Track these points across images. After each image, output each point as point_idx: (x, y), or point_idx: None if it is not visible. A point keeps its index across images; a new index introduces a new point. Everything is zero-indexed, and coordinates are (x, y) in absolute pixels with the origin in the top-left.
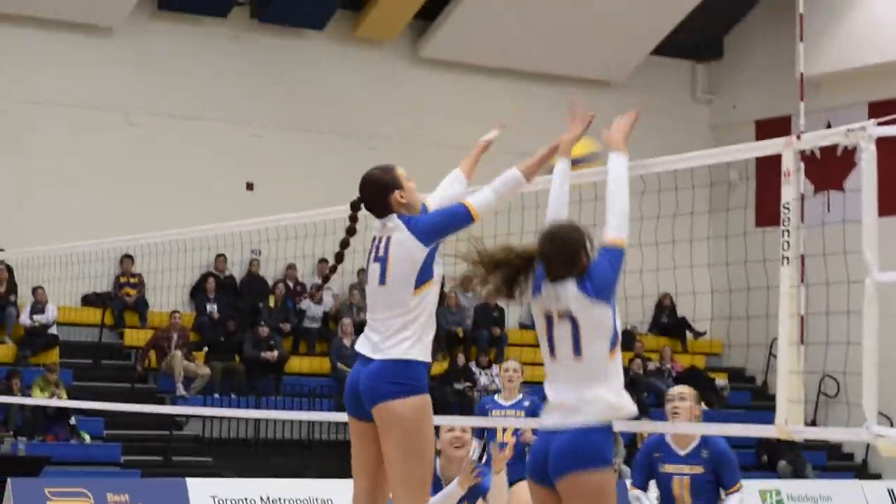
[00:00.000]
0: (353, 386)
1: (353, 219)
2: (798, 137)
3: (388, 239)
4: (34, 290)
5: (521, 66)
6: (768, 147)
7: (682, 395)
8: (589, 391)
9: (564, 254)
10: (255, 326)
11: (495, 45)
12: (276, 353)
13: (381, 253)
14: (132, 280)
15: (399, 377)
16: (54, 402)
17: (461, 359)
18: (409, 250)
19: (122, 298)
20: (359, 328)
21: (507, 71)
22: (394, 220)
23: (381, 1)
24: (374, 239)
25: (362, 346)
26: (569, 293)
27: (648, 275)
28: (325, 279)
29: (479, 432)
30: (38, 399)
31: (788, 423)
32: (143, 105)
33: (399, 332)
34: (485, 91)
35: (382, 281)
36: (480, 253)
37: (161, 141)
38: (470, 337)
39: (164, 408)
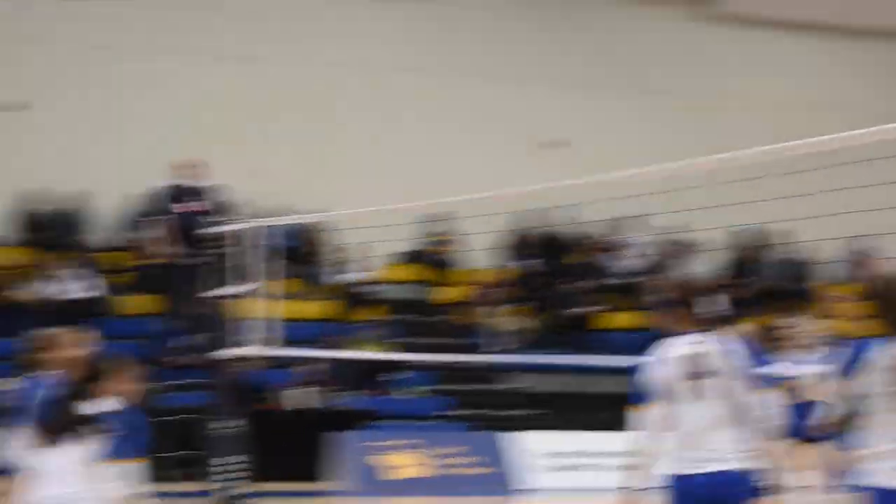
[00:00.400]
0: None
1: None
2: None
3: None
4: (358, 250)
5: (824, 19)
6: None
7: None
8: None
9: None
10: (573, 282)
11: None
12: (591, 308)
13: None
14: (451, 238)
15: None
16: (380, 357)
17: None
18: None
19: (442, 255)
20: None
21: (807, 25)
22: None
23: None
24: None
25: None
26: None
27: None
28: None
29: None
30: (365, 353)
31: None
32: (457, 66)
33: None
34: (786, 47)
35: None
36: None
37: (476, 100)
38: None
39: (491, 360)
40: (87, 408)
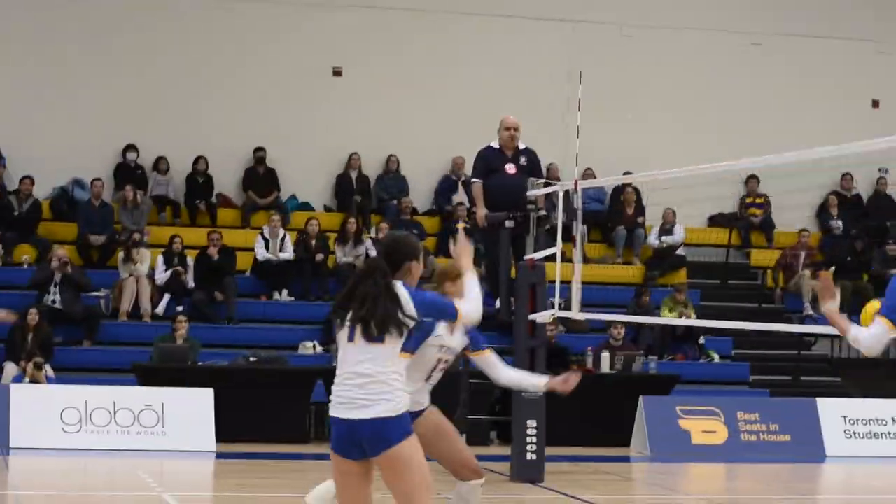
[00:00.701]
0: None
1: None
2: None
3: None
4: (663, 212)
5: None
6: None
7: None
8: None
9: None
10: (882, 245)
11: None
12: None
13: None
14: (758, 200)
15: None
16: (683, 322)
17: None
18: None
19: (747, 218)
20: None
21: None
22: None
23: None
24: None
25: None
26: None
27: None
28: None
29: None
30: (667, 318)
31: None
32: (765, 26)
33: None
34: None
35: None
36: None
37: (780, 61)
38: None
39: (792, 327)
40: None
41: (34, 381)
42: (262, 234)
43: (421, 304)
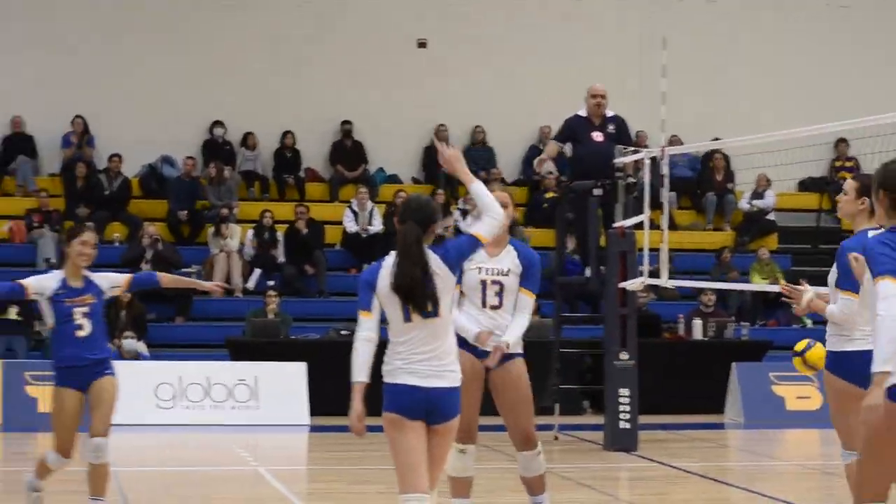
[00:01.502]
0: None
1: None
2: None
3: None
4: (756, 177)
5: None
6: None
7: None
8: None
9: None
10: None
11: None
12: None
13: None
14: (847, 164)
15: None
16: (772, 288)
17: None
18: None
19: (837, 182)
20: None
21: None
22: None
23: None
24: None
25: None
26: None
27: None
28: None
29: None
30: (758, 285)
31: None
32: None
33: None
34: None
35: None
36: None
37: (867, 21)
38: None
39: None
40: None
41: (127, 357)
42: (350, 207)
43: (451, 259)
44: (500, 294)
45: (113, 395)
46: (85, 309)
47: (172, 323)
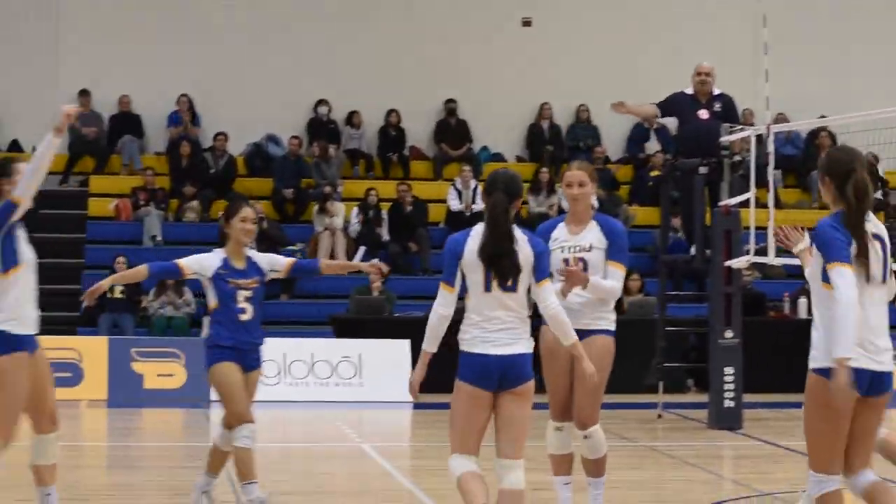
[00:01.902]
0: None
1: None
2: None
3: None
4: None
5: None
6: None
7: None
8: None
9: None
10: None
11: None
12: None
13: None
14: None
15: None
16: None
17: None
18: None
19: None
20: None
21: None
22: None
23: None
24: None
25: None
26: None
27: None
28: None
29: None
30: None
31: None
32: None
33: None
34: None
35: None
36: None
37: None
38: None
39: None
40: None
41: None
42: (454, 185)
43: (536, 247)
44: (583, 271)
45: (257, 385)
46: (248, 293)
47: (277, 300)
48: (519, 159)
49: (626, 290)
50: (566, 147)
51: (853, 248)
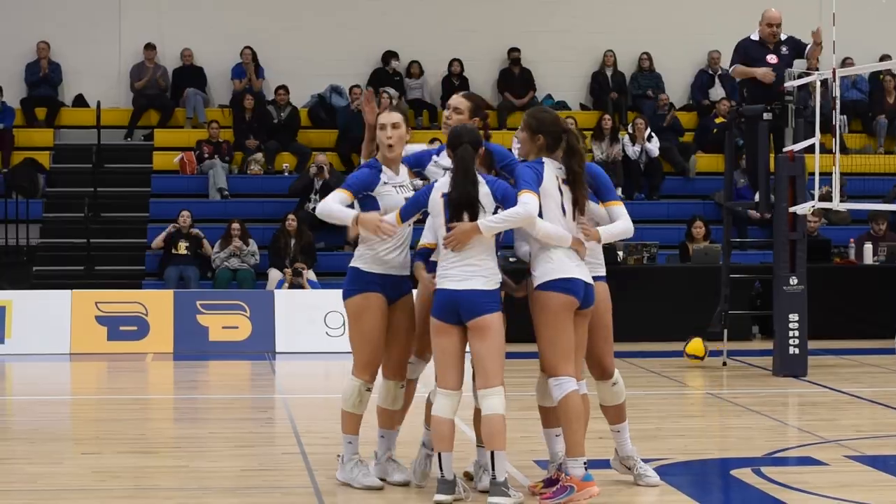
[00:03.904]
0: None
1: None
2: None
3: None
4: None
5: None
6: None
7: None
8: None
9: None
10: None
11: None
12: None
13: None
14: None
15: None
16: None
17: None
18: None
19: None
20: None
21: None
22: None
23: None
24: None
25: None
26: None
27: None
28: None
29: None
30: None
31: None
32: None
33: None
34: None
35: None
36: None
37: None
38: None
39: None
40: None
41: (296, 286)
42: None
43: (496, 191)
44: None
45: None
46: None
47: (341, 252)
48: (582, 107)
49: (691, 237)
50: (630, 95)
51: None
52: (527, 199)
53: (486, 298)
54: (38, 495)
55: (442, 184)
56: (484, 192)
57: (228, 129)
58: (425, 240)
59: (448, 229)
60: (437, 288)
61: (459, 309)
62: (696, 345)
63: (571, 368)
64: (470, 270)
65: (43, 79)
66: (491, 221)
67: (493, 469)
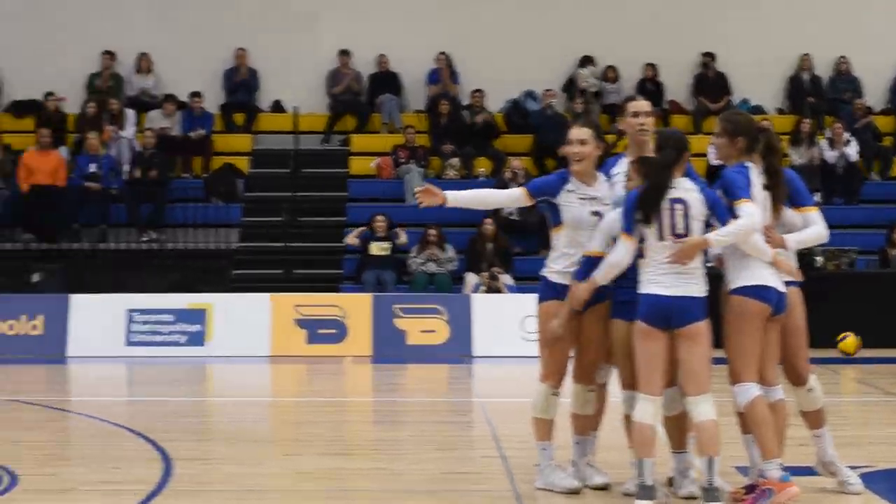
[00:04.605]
0: None
1: None
2: None
3: None
4: None
5: None
6: None
7: None
8: None
9: None
10: None
11: None
12: None
13: None
14: None
15: None
16: None
17: None
18: None
19: None
20: None
21: None
22: None
23: None
24: None
25: None
26: None
27: None
28: None
29: None
30: None
31: None
32: None
33: None
34: None
35: None
36: None
37: None
38: None
39: None
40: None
41: (492, 290)
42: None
43: (707, 198)
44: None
45: None
46: None
47: (537, 256)
48: (779, 111)
49: (892, 242)
50: (827, 99)
51: None
52: (750, 210)
53: (698, 305)
54: (239, 496)
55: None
56: (695, 198)
57: (424, 133)
58: (593, 248)
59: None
60: (644, 293)
61: (672, 315)
62: (849, 342)
63: (755, 375)
64: (684, 278)
65: (241, 85)
66: (720, 235)
67: (709, 474)
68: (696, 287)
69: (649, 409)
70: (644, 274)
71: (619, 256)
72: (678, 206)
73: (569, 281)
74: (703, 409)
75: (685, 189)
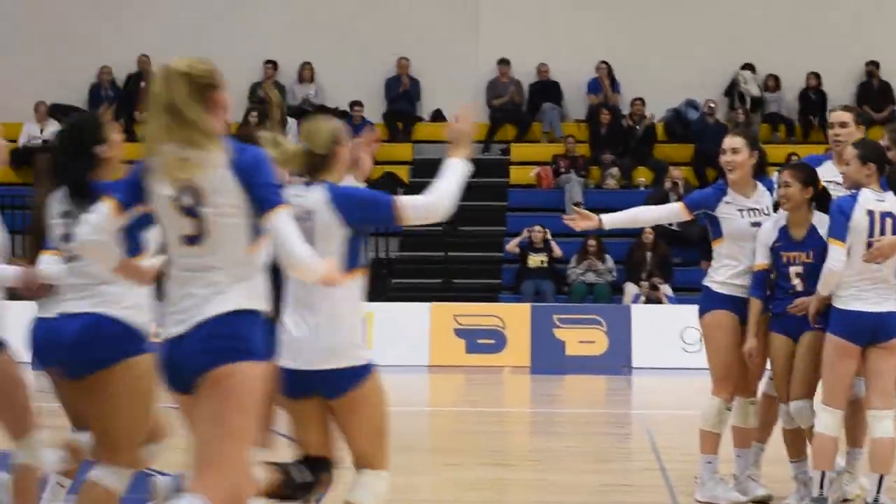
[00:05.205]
0: None
1: None
2: None
3: None
4: None
5: None
6: None
7: None
8: None
9: None
10: None
11: None
12: None
13: None
14: None
15: None
16: None
17: None
18: None
19: None
20: None
21: None
22: None
23: None
24: None
25: None
26: None
27: None
28: None
29: None
30: None
31: None
32: None
33: None
34: None
35: None
36: None
37: None
38: None
39: None
40: None
41: (652, 300)
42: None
43: None
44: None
45: None
46: (798, 269)
47: (697, 266)
48: None
49: None
50: None
51: None
52: None
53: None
54: None
55: (865, 199)
56: None
57: (584, 143)
58: (758, 262)
59: (870, 244)
60: (843, 308)
61: (878, 332)
62: None
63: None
64: (887, 293)
65: (402, 94)
66: None
67: (878, 493)
68: (894, 302)
69: (832, 422)
70: (845, 289)
71: (839, 265)
72: (888, 220)
73: (731, 291)
74: (884, 425)
75: (892, 202)
